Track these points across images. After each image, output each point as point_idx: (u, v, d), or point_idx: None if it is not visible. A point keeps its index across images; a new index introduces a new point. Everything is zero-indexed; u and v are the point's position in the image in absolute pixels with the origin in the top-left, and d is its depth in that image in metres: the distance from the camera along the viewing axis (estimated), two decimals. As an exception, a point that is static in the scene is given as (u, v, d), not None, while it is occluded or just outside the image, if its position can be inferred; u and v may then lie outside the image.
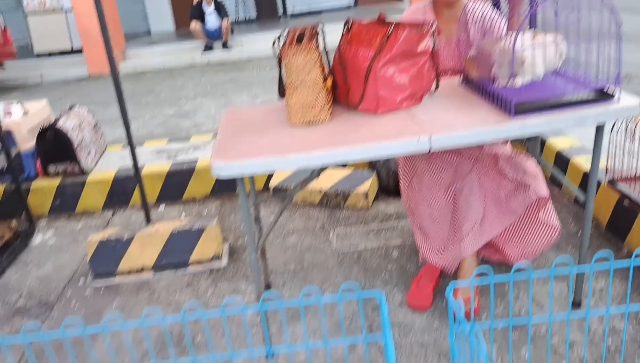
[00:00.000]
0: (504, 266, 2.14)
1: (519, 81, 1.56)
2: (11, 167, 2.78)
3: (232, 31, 8.00)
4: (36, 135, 2.99)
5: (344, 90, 1.75)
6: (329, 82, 1.69)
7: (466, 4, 2.10)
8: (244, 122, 1.78)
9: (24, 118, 3.04)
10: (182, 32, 10.41)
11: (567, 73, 1.67)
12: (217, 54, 7.72)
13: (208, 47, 7.77)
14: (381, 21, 1.74)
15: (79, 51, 7.98)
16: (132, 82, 6.86)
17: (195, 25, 7.58)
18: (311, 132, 1.60)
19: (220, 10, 7.66)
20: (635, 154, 2.22)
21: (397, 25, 1.63)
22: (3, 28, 7.17)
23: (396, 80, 1.66)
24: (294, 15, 11.38)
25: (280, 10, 11.28)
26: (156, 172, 3.02)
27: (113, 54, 2.30)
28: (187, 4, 10.55)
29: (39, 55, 8.38)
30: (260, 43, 8.04)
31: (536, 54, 1.54)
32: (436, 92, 1.79)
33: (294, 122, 1.68)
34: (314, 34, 1.69)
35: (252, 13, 10.63)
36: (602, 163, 2.22)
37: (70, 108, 3.32)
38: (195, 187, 3.11)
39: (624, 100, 1.45)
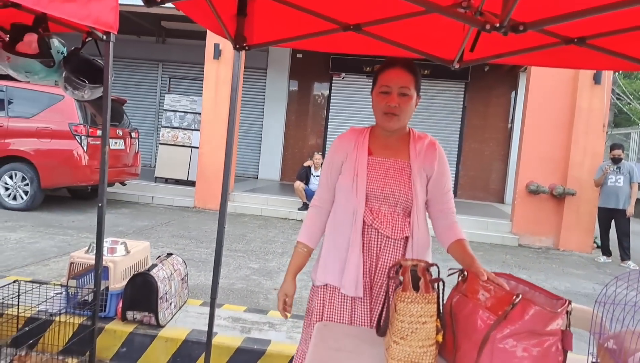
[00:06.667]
0: None
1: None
2: (95, 303, 2.81)
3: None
4: (129, 277, 3.06)
5: (451, 348, 1.56)
6: (440, 336, 1.52)
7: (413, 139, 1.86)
8: (335, 350, 1.63)
9: (124, 257, 3.16)
10: (285, 182, 11.12)
11: None
12: (313, 213, 7.98)
13: (306, 206, 8.09)
14: (503, 281, 1.59)
15: (192, 183, 8.68)
16: (228, 224, 7.18)
17: (299, 185, 8.03)
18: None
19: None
20: None
21: (526, 298, 1.47)
22: (136, 151, 8.11)
23: (516, 359, 1.44)
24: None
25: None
26: (226, 345, 2.89)
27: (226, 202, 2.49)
28: (295, 160, 11.45)
29: (156, 179, 9.23)
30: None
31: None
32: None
33: (391, 375, 1.49)
34: (432, 281, 1.58)
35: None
36: None
37: (168, 256, 3.43)
38: (260, 372, 2.89)
39: None
